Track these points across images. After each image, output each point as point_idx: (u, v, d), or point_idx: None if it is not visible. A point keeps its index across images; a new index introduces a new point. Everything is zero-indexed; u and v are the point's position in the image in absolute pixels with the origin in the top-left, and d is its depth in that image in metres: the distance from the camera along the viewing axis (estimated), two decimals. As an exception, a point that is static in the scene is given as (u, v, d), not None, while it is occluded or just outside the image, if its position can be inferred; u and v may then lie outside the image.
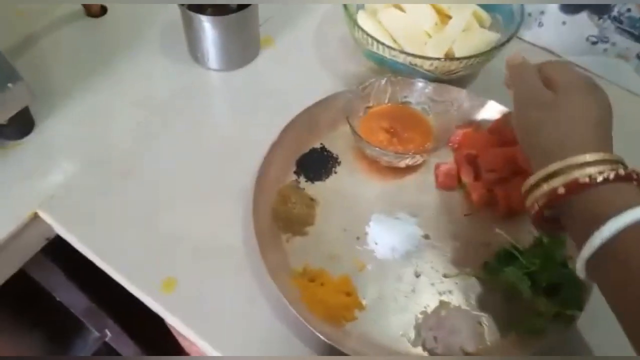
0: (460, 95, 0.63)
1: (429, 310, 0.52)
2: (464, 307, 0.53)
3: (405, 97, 0.65)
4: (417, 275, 0.55)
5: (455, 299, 0.53)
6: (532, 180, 0.45)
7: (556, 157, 0.43)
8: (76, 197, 0.58)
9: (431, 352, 0.50)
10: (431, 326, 0.50)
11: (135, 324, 0.92)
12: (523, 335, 0.51)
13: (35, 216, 0.57)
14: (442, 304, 0.53)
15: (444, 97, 0.63)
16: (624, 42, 0.69)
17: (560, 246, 0.53)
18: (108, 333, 0.93)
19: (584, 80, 0.47)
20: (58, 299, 0.80)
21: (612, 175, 0.40)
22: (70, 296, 0.81)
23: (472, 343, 0.49)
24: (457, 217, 0.59)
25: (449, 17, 0.67)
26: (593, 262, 0.40)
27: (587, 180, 0.40)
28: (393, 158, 0.60)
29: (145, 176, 0.61)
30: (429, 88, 0.63)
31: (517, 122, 0.48)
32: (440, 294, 0.54)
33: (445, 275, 0.55)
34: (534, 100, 0.47)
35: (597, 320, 0.50)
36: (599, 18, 0.69)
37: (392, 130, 0.62)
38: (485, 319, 0.52)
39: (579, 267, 0.41)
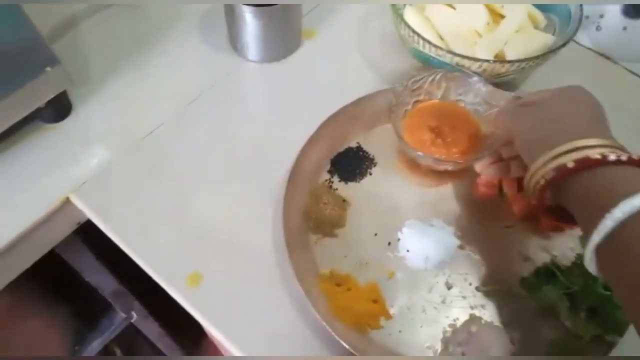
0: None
1: (459, 324, 0.50)
2: (496, 323, 0.50)
3: (459, 95, 0.60)
4: (449, 287, 0.52)
5: (488, 315, 0.51)
6: (538, 163, 0.42)
7: (560, 142, 0.41)
8: (108, 184, 0.58)
9: (459, 369, 0.48)
10: (460, 341, 0.48)
11: (161, 307, 0.92)
12: (558, 357, 0.48)
13: (67, 201, 0.57)
14: (473, 319, 0.50)
15: (500, 102, 0.57)
16: (688, 50, 0.64)
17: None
18: (134, 315, 0.94)
19: (571, 86, 0.46)
20: (87, 279, 0.81)
21: (624, 157, 0.37)
22: (99, 278, 0.82)
23: (503, 363, 0.47)
24: (496, 228, 0.56)
25: (502, 17, 0.64)
26: (604, 249, 0.36)
27: (598, 157, 0.38)
28: (432, 162, 0.57)
29: (177, 168, 0.60)
30: (486, 89, 0.58)
31: (513, 129, 0.47)
32: (472, 307, 0.51)
33: (478, 289, 0.52)
34: (522, 108, 0.47)
35: (637, 347, 0.47)
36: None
37: (437, 129, 0.58)
38: (518, 337, 0.49)
39: (588, 255, 0.37)
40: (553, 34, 0.63)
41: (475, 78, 0.58)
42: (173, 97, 0.65)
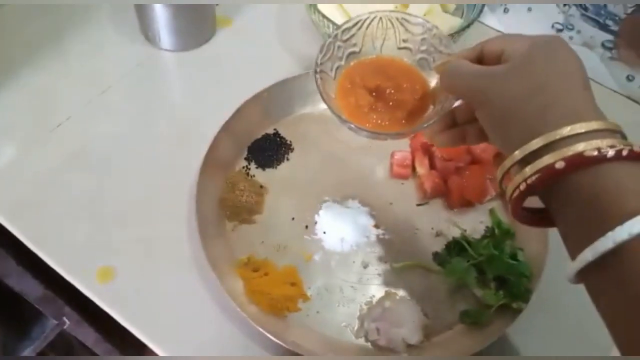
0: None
1: (375, 301, 0.51)
2: (410, 298, 0.51)
3: (403, 42, 0.47)
4: (365, 266, 0.53)
5: (402, 290, 0.52)
6: (517, 155, 0.32)
7: (550, 124, 0.31)
8: (13, 180, 0.56)
9: (373, 344, 0.49)
10: (375, 317, 0.49)
11: (95, 311, 0.90)
12: (469, 326, 0.49)
13: (-30, 200, 0.55)
14: (388, 295, 0.51)
15: (454, 50, 0.44)
16: (589, 30, 0.67)
17: (510, 237, 0.52)
18: (66, 321, 0.91)
19: (548, 37, 0.35)
20: (10, 285, 0.77)
21: (625, 152, 0.29)
22: (24, 283, 0.78)
23: (416, 335, 0.48)
24: (409, 207, 0.57)
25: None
26: (595, 266, 0.29)
27: (595, 153, 0.29)
28: (369, 136, 0.45)
29: (88, 160, 0.58)
30: (436, 33, 0.45)
31: (479, 96, 0.36)
32: (387, 285, 0.52)
33: (393, 266, 0.53)
34: (491, 69, 0.35)
35: (543, 312, 0.50)
36: (565, 4, 0.67)
37: (377, 91, 0.46)
38: (431, 310, 0.51)
39: (573, 270, 0.31)
40: (461, 17, 0.65)
41: (420, 20, 0.46)
42: (83, 88, 0.63)
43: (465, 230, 0.54)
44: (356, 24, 0.46)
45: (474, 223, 0.56)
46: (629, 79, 0.68)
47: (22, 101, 0.62)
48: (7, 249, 0.71)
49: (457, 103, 0.42)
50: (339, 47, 0.46)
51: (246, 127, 0.60)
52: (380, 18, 0.46)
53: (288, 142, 0.61)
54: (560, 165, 0.30)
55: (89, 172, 0.57)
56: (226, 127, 0.58)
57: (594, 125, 0.30)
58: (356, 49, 0.47)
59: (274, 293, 0.51)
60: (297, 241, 0.54)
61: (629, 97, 0.69)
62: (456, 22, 0.64)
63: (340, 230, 0.55)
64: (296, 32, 0.71)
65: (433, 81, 0.45)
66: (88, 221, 0.54)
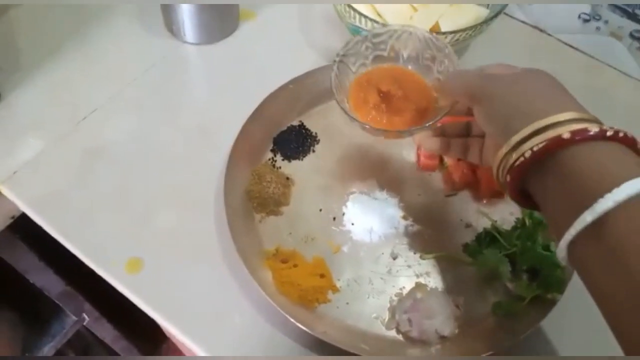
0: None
1: (405, 292, 0.50)
2: (441, 289, 0.51)
3: (426, 59, 0.52)
4: (394, 257, 0.53)
5: (433, 282, 0.51)
6: (513, 139, 0.37)
7: (550, 113, 0.36)
8: (41, 173, 0.56)
9: (405, 335, 0.48)
10: (406, 309, 0.48)
11: (115, 308, 0.90)
12: (501, 318, 0.49)
13: (-2, 193, 0.55)
14: (419, 286, 0.51)
15: (441, 45, 0.50)
16: (617, 20, 0.67)
17: (542, 228, 0.51)
18: (86, 317, 0.91)
19: (534, 68, 0.42)
20: (32, 281, 0.77)
21: (621, 134, 0.34)
22: (45, 279, 0.79)
23: (448, 327, 0.47)
24: (438, 198, 0.57)
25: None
26: (580, 241, 0.33)
27: (597, 129, 0.34)
28: (360, 127, 0.49)
29: (114, 153, 0.58)
30: (418, 34, 0.51)
31: (484, 92, 0.41)
32: (417, 276, 0.52)
33: (422, 257, 0.52)
34: (494, 75, 0.42)
35: (578, 304, 0.48)
36: (592, -6, 0.67)
37: (386, 95, 0.51)
38: (463, 302, 0.50)
39: (562, 246, 0.34)
40: (487, 7, 0.65)
41: (446, 47, 0.50)
42: (107, 82, 0.63)
43: (495, 221, 0.53)
44: (388, 31, 0.51)
45: (503, 214, 0.55)
46: (658, 69, 0.67)
47: (47, 94, 0.62)
48: (29, 245, 0.72)
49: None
50: (367, 47, 0.52)
51: (271, 119, 0.60)
52: (411, 33, 0.51)
53: (313, 133, 0.61)
54: (567, 135, 0.34)
55: (116, 164, 0.57)
56: (252, 120, 0.58)
57: (575, 114, 0.35)
58: (384, 54, 0.52)
59: (303, 284, 0.50)
60: (324, 232, 0.54)
61: (657, 88, 0.68)
62: (482, 12, 0.63)
63: (369, 221, 0.54)
64: (320, 25, 0.71)
65: (442, 103, 0.49)
66: (115, 213, 0.54)
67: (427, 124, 0.47)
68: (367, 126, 0.48)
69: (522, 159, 0.36)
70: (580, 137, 0.34)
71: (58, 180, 0.56)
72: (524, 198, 0.40)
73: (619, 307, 0.32)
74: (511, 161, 0.37)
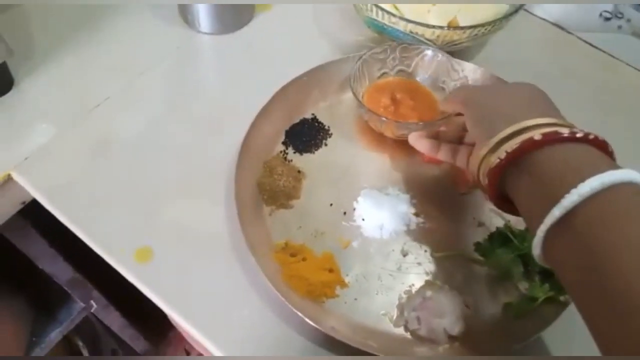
0: (475, 74, 0.60)
1: (414, 290, 0.50)
2: (451, 288, 0.50)
3: (443, 82, 0.60)
4: (404, 254, 0.52)
5: (443, 280, 0.51)
6: (492, 141, 0.40)
7: (528, 118, 0.39)
8: (52, 159, 0.56)
9: (413, 334, 0.47)
10: (415, 306, 0.48)
11: (123, 296, 0.90)
12: (512, 319, 0.48)
13: (9, 178, 0.54)
14: (428, 284, 0.50)
15: (460, 74, 0.57)
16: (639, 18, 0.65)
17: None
18: (94, 304, 0.91)
19: (523, 82, 0.46)
20: (41, 267, 0.78)
21: (592, 136, 0.37)
22: (54, 265, 0.79)
23: (457, 326, 0.47)
24: (451, 195, 0.56)
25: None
26: (552, 237, 0.35)
27: (566, 132, 0.37)
28: (375, 119, 0.56)
29: (126, 141, 0.58)
30: (442, 58, 0.59)
31: (472, 98, 0.46)
32: (427, 274, 0.51)
33: (433, 255, 0.52)
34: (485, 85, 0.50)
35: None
36: (614, -8, 0.65)
37: (397, 101, 0.58)
38: (473, 301, 0.49)
39: (536, 243, 0.36)
40: (506, 3, 0.63)
41: (462, 71, 0.57)
42: (121, 70, 0.63)
43: (509, 221, 0.53)
44: (417, 49, 0.59)
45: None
46: (680, 70, 0.66)
47: (61, 82, 0.62)
48: (40, 231, 0.72)
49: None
50: (394, 58, 0.60)
51: (284, 112, 0.59)
52: (439, 57, 0.59)
53: (326, 127, 0.60)
54: (538, 137, 0.37)
55: (127, 153, 0.57)
56: (264, 112, 0.57)
57: (551, 120, 0.38)
58: (408, 70, 0.61)
59: (311, 279, 0.50)
60: (334, 227, 0.53)
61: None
62: (501, 7, 0.62)
63: (380, 217, 0.54)
64: (335, 17, 0.70)
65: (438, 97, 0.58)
66: (126, 202, 0.54)
67: (423, 123, 0.54)
68: (368, 110, 0.55)
69: (498, 160, 0.39)
70: (551, 139, 0.37)
71: (69, 167, 0.56)
72: (506, 203, 0.42)
73: (588, 300, 0.33)
74: (490, 164, 0.40)
